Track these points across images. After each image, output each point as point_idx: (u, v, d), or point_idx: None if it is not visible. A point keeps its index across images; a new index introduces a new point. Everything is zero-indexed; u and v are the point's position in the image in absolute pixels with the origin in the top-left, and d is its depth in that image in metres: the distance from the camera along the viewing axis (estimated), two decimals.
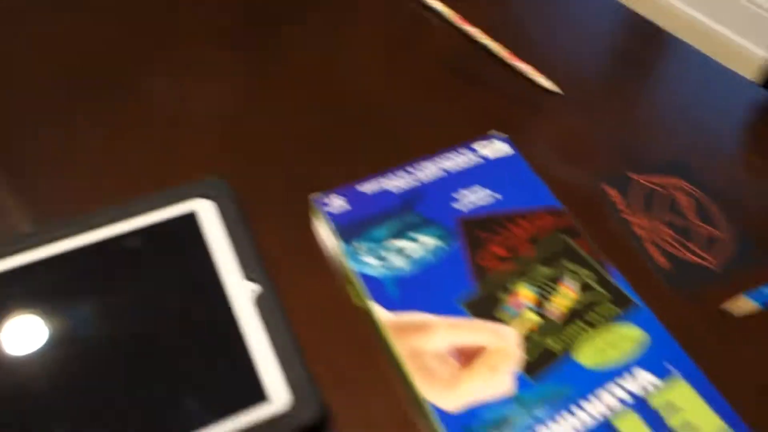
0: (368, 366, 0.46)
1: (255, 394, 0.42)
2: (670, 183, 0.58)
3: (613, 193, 0.57)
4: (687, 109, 0.65)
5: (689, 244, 0.53)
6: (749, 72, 0.86)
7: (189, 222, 0.50)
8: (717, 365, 0.46)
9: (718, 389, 0.44)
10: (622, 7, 0.76)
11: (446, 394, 0.43)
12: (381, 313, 0.46)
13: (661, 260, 0.52)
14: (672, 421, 0.42)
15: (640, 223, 0.54)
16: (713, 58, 0.71)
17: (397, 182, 0.54)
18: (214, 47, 0.66)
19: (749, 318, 0.50)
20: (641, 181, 0.58)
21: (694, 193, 0.57)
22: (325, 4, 0.73)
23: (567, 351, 0.45)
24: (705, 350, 0.47)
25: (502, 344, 0.45)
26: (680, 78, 0.69)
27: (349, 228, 0.50)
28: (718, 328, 0.49)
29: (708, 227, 0.55)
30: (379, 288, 0.47)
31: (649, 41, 0.73)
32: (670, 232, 0.54)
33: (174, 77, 0.62)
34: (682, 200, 0.56)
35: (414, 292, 0.47)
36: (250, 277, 0.47)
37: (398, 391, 0.45)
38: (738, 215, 0.56)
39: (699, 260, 0.52)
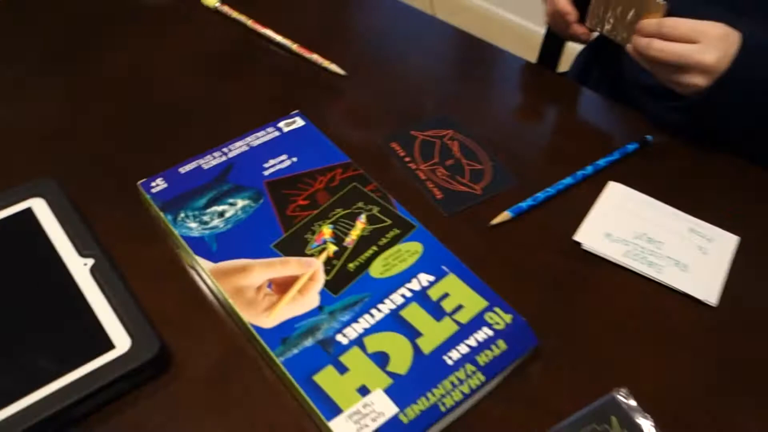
0: (202, 310, 0.54)
1: (102, 343, 0.49)
2: (443, 134, 0.70)
3: (398, 147, 0.68)
4: (451, 77, 0.78)
5: (458, 178, 0.65)
6: (532, 51, 1.01)
7: (27, 217, 0.57)
8: (482, 263, 0.58)
9: (483, 280, 0.56)
10: (398, 3, 0.89)
11: (266, 316, 0.52)
12: (205, 264, 0.54)
13: (437, 193, 0.64)
14: (445, 305, 0.53)
15: (421, 168, 0.66)
16: (483, 37, 0.85)
17: (212, 161, 0.62)
18: (44, 68, 0.72)
19: (504, 225, 0.62)
20: (419, 136, 0.70)
21: (461, 139, 0.69)
22: (140, 26, 0.80)
23: (363, 269, 0.55)
24: (473, 253, 0.58)
25: (308, 272, 0.54)
26: (443, 53, 0.82)
27: (172, 202, 0.58)
28: (482, 236, 0.61)
29: (473, 163, 0.67)
30: (202, 245, 0.56)
31: (418, 28, 0.86)
32: (444, 171, 0.66)
33: (6, 99, 0.68)
34: (453, 146, 0.69)
35: (232, 244, 0.56)
36: (84, 254, 0.54)
37: (228, 324, 0.53)
38: (495, 152, 0.69)
39: (466, 189, 0.64)
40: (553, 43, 1.06)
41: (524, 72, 0.81)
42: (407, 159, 0.67)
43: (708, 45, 0.62)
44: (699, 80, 0.63)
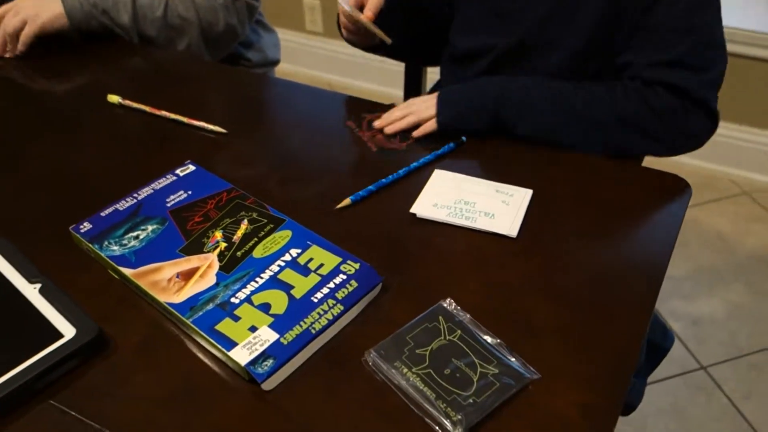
0: (130, 305, 0.71)
1: (53, 335, 0.66)
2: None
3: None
4: (300, 124, 1.00)
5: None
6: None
7: None
8: (337, 236, 0.76)
9: (336, 244, 0.74)
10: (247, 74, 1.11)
11: (176, 296, 0.69)
12: (127, 272, 0.72)
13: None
14: (311, 266, 0.72)
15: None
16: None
17: (126, 204, 0.81)
18: None
19: (351, 208, 0.82)
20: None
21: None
22: (59, 124, 1.00)
23: (248, 254, 0.73)
24: (330, 231, 0.77)
25: (206, 263, 0.73)
26: (304, 112, 1.04)
27: (97, 236, 0.76)
28: (335, 218, 0.80)
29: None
30: (123, 260, 0.73)
31: (287, 94, 1.08)
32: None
33: None
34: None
35: (147, 255, 0.74)
36: (33, 281, 0.71)
37: (150, 311, 0.71)
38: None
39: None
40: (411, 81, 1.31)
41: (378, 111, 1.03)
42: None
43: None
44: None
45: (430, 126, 0.94)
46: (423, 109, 0.95)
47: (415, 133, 0.95)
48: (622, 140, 0.91)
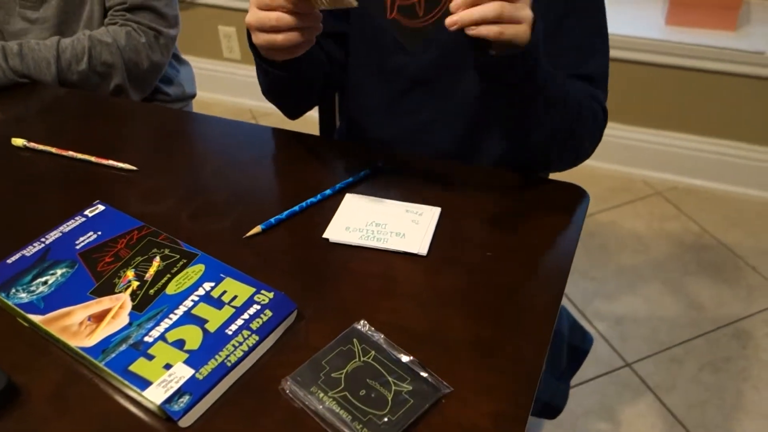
0: (40, 353, 0.70)
1: None
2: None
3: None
4: (222, 156, 1.00)
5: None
6: None
7: None
8: (249, 266, 0.77)
9: (251, 274, 0.75)
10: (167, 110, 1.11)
11: (88, 339, 0.68)
12: (36, 318, 0.71)
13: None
14: (224, 298, 0.72)
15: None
16: None
17: (33, 249, 0.79)
18: None
19: (261, 236, 0.83)
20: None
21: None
22: None
23: (161, 291, 0.73)
24: (241, 261, 0.78)
25: (118, 303, 0.72)
26: (219, 144, 1.04)
27: (3, 285, 0.75)
28: (246, 247, 0.81)
29: None
30: (31, 307, 0.72)
31: (201, 128, 1.08)
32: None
33: None
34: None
35: (56, 300, 0.73)
36: None
37: (62, 356, 0.70)
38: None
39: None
40: (325, 116, 1.32)
41: (292, 141, 1.04)
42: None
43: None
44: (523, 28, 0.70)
45: (521, 33, 0.70)
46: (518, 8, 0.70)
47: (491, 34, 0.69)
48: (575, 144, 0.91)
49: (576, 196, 0.89)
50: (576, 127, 0.88)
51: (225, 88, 2.56)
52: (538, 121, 0.84)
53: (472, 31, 0.69)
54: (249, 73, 2.46)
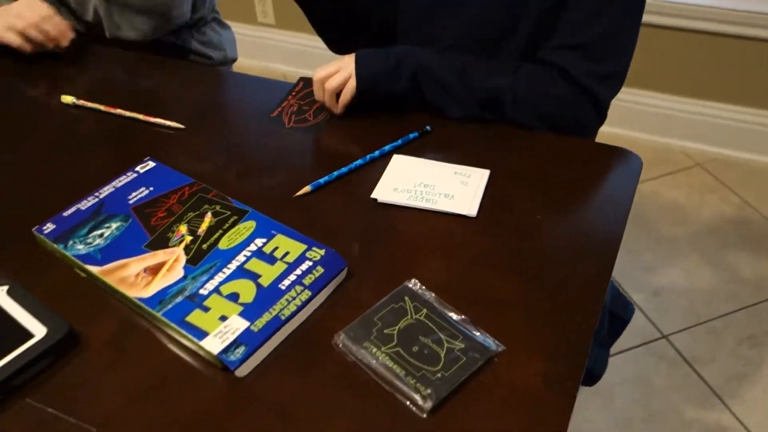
0: (99, 302, 0.72)
1: (24, 335, 0.66)
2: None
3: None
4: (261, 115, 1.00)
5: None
6: None
7: None
8: (300, 224, 0.78)
9: (302, 233, 0.76)
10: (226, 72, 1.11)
11: (145, 291, 0.70)
12: (94, 269, 0.72)
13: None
14: (276, 254, 0.73)
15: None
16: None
17: (87, 203, 0.81)
18: None
19: (311, 196, 0.83)
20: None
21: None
22: (15, 123, 0.99)
23: (214, 246, 0.74)
24: (292, 219, 0.78)
25: (173, 257, 0.73)
26: (258, 101, 1.04)
27: (61, 236, 0.76)
28: (295, 206, 0.82)
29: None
30: (89, 258, 0.74)
31: (242, 89, 1.08)
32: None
33: None
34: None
35: (112, 252, 0.74)
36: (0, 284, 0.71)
37: (119, 306, 0.71)
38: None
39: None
40: None
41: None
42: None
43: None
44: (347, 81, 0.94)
45: (350, 89, 0.94)
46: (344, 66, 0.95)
47: (340, 105, 0.96)
48: (516, 116, 0.93)
49: (628, 160, 0.88)
50: (491, 104, 0.94)
51: (258, 52, 2.55)
52: (440, 106, 0.96)
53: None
54: (283, 38, 2.45)
